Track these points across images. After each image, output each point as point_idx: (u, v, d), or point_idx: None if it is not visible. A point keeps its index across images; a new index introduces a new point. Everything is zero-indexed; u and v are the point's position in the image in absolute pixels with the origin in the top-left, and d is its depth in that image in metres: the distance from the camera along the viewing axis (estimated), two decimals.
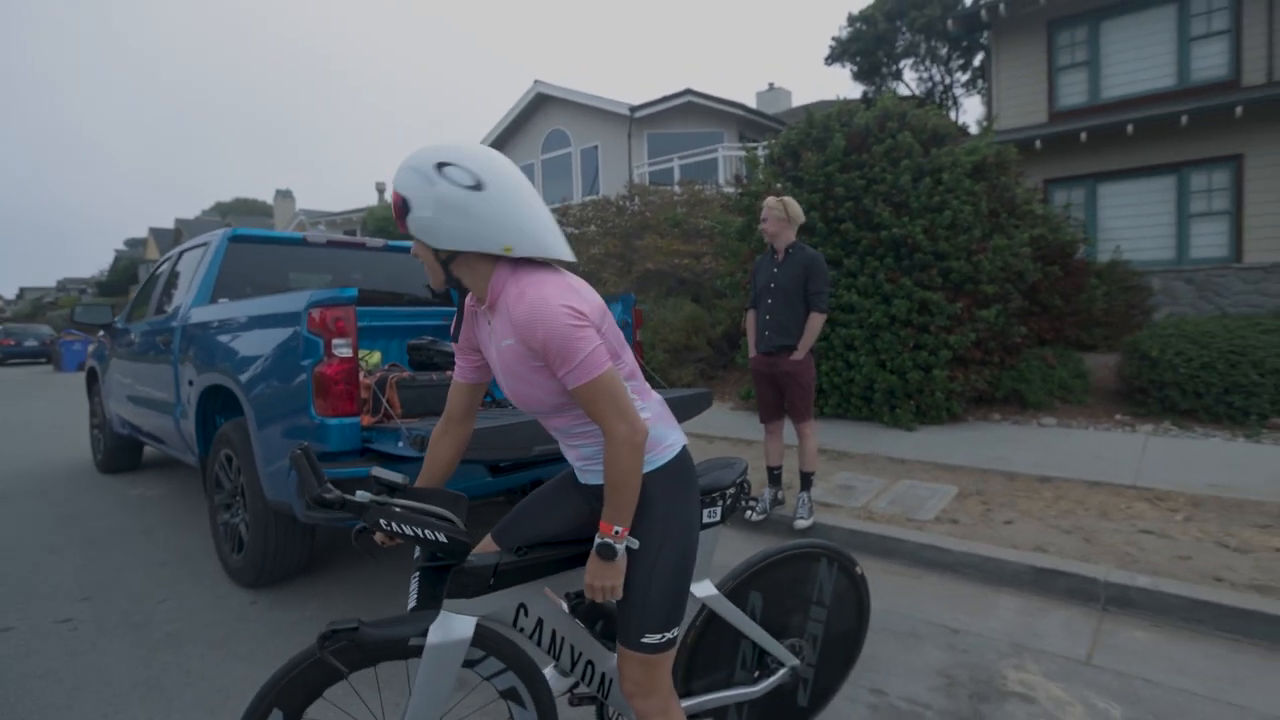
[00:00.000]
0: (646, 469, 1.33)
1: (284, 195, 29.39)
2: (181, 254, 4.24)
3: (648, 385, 1.42)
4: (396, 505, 1.22)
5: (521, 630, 1.41)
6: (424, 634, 1.27)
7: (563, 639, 1.46)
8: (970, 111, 31.11)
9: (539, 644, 1.43)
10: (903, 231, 5.63)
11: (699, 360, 8.17)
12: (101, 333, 5.15)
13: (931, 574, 3.16)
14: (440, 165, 1.19)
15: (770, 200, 3.59)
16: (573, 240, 11.13)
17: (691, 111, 14.11)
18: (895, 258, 5.79)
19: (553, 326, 1.16)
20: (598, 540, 1.25)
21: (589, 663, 1.49)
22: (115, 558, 3.54)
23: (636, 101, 14.14)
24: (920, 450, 5.00)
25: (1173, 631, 2.57)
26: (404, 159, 1.22)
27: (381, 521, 1.21)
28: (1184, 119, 8.05)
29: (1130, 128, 8.38)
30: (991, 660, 2.40)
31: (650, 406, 1.38)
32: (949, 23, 11.41)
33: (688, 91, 13.68)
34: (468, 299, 1.40)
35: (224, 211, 48.20)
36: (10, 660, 2.49)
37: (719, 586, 1.66)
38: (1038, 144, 8.98)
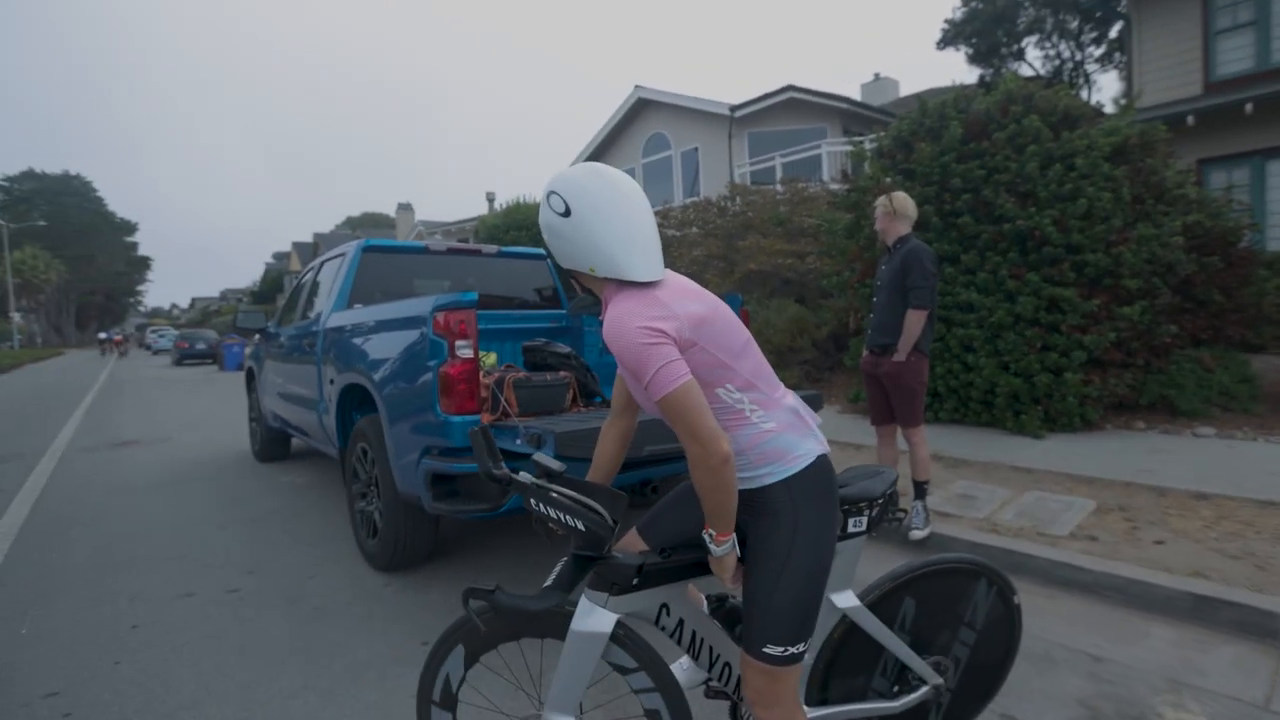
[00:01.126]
0: (774, 479, 1.34)
1: (404, 208, 31.67)
2: (322, 264, 4.68)
3: (775, 393, 1.39)
4: (554, 490, 1.32)
5: (663, 629, 1.45)
6: (546, 611, 1.35)
7: (702, 639, 1.49)
8: (1106, 89, 28.20)
9: (679, 643, 1.47)
10: (1029, 223, 5.22)
11: (804, 362, 7.99)
12: (257, 336, 5.78)
13: (1067, 595, 2.90)
14: (549, 194, 1.33)
15: (880, 199, 3.57)
16: (674, 243, 11.20)
17: (793, 108, 13.79)
18: (1020, 252, 5.38)
19: (625, 343, 1.22)
20: (708, 542, 1.32)
21: (726, 664, 1.51)
22: (272, 536, 3.98)
23: (736, 101, 14.01)
24: (1049, 459, 4.61)
25: None
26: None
27: (532, 501, 1.32)
28: None
29: None
30: (1142, 694, 2.17)
31: (776, 417, 1.36)
32: None
33: (789, 88, 13.38)
34: None
35: (353, 225, 52.66)
36: (194, 621, 2.87)
37: (867, 592, 1.63)
38: (1190, 120, 8.02)
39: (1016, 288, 5.31)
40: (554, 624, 1.44)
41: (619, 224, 1.30)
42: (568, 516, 1.30)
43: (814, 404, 3.23)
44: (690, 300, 1.31)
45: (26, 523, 4.40)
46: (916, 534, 3.37)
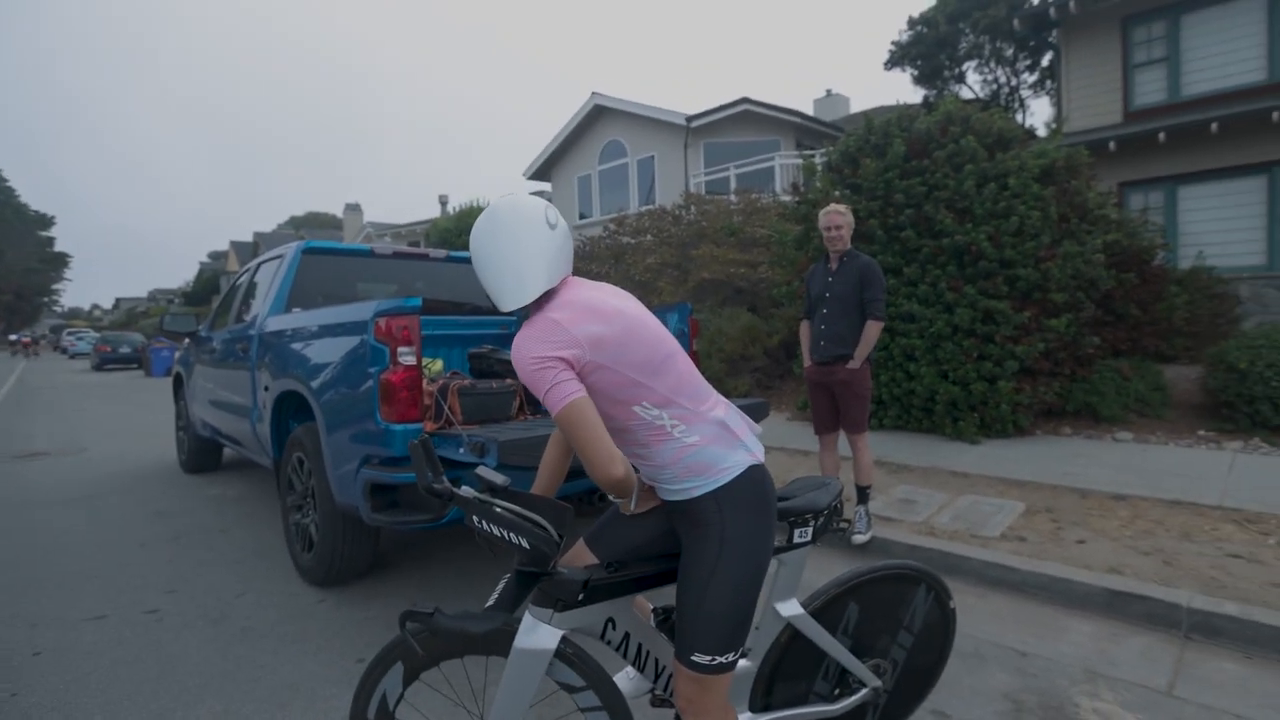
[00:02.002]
0: (702, 491, 1.34)
1: (353, 209, 30.74)
2: (259, 265, 4.48)
3: (701, 406, 1.38)
4: (498, 505, 1.27)
5: (608, 643, 1.43)
6: (490, 633, 1.31)
7: (647, 651, 1.48)
8: (1038, 114, 29.85)
9: (623, 655, 1.46)
10: (966, 238, 5.45)
11: (755, 370, 8.10)
12: (187, 340, 5.49)
13: (997, 594, 3.03)
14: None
15: (841, 207, 3.56)
16: (628, 250, 11.20)
17: (748, 120, 14.04)
18: (958, 265, 5.61)
19: (521, 370, 1.27)
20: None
21: (671, 675, 1.50)
22: (197, 553, 3.76)
23: (693, 111, 14.17)
24: (984, 464, 4.82)
25: (1265, 664, 2.39)
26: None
27: (474, 518, 1.28)
28: (1275, 115, 7.54)
29: (1215, 126, 7.89)
30: (1063, 686, 2.28)
31: (699, 430, 1.36)
32: (1015, 22, 11.03)
33: (744, 100, 13.63)
34: None
35: (297, 225, 50.65)
36: (104, 646, 2.67)
37: (813, 598, 1.65)
38: (1112, 145, 8.56)
39: (955, 300, 5.53)
40: (497, 642, 1.39)
41: (492, 257, 1.36)
42: (511, 533, 1.26)
43: (759, 412, 3.27)
44: (592, 322, 1.29)
45: None
46: (859, 538, 3.45)
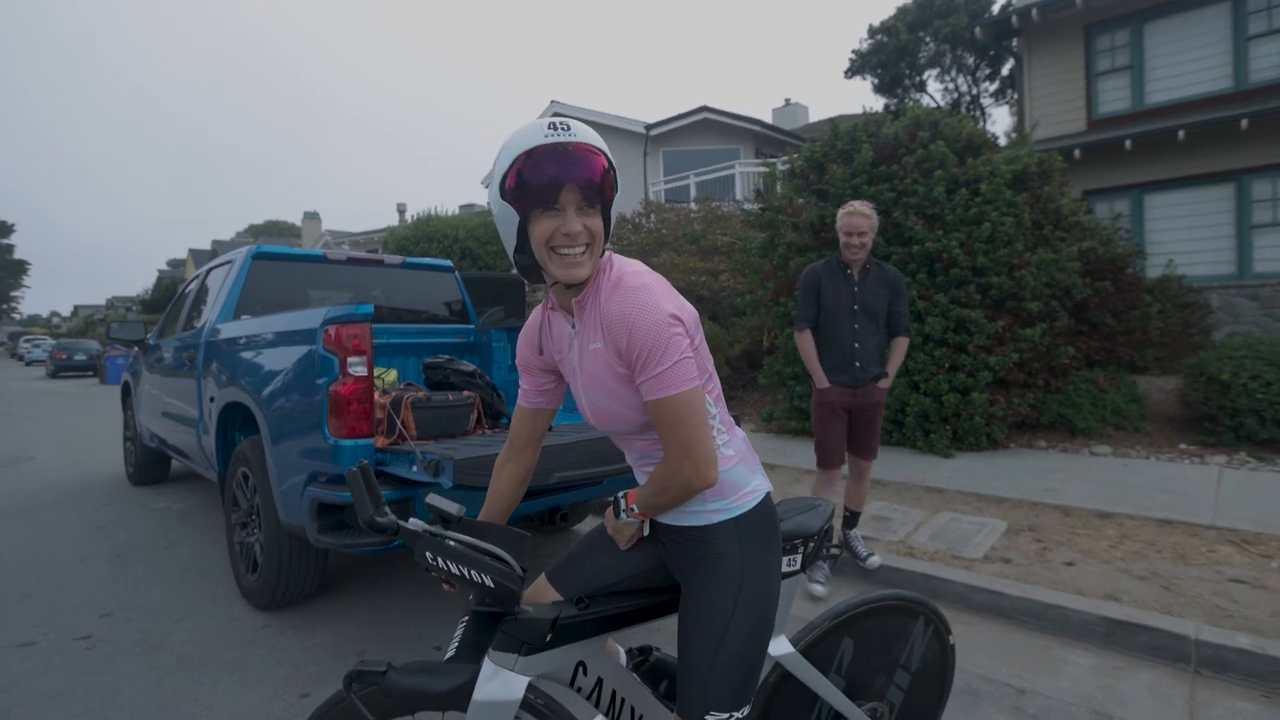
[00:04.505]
0: (722, 517, 1.19)
1: (311, 217, 30.28)
2: (209, 271, 4.28)
3: (731, 418, 1.27)
4: (451, 539, 1.12)
5: (579, 690, 1.28)
6: (454, 690, 1.14)
7: (623, 700, 1.32)
8: (999, 122, 30.53)
9: (596, 704, 1.30)
10: (937, 246, 5.43)
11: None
12: (135, 348, 5.24)
13: (984, 621, 2.86)
14: None
15: (865, 208, 3.04)
16: None
17: (707, 128, 14.10)
18: (929, 273, 5.59)
19: (652, 322, 1.05)
20: (620, 498, 1.24)
21: None
22: (138, 572, 3.54)
23: (652, 119, 14.17)
24: (960, 479, 4.72)
25: None
26: (593, 134, 1.10)
27: (428, 555, 1.11)
28: (1244, 123, 7.66)
29: (1181, 134, 8.02)
30: None
31: (735, 444, 1.24)
32: (976, 31, 11.21)
33: (703, 108, 13.69)
34: (538, 309, 1.31)
35: (256, 233, 49.76)
36: (30, 677, 2.47)
37: (804, 633, 1.51)
38: (1076, 153, 8.68)
39: (925, 308, 5.51)
40: (463, 697, 1.21)
41: None
42: (471, 571, 1.10)
43: None
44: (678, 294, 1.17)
45: None
46: (874, 561, 3.20)
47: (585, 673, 1.27)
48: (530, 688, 1.21)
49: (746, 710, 1.18)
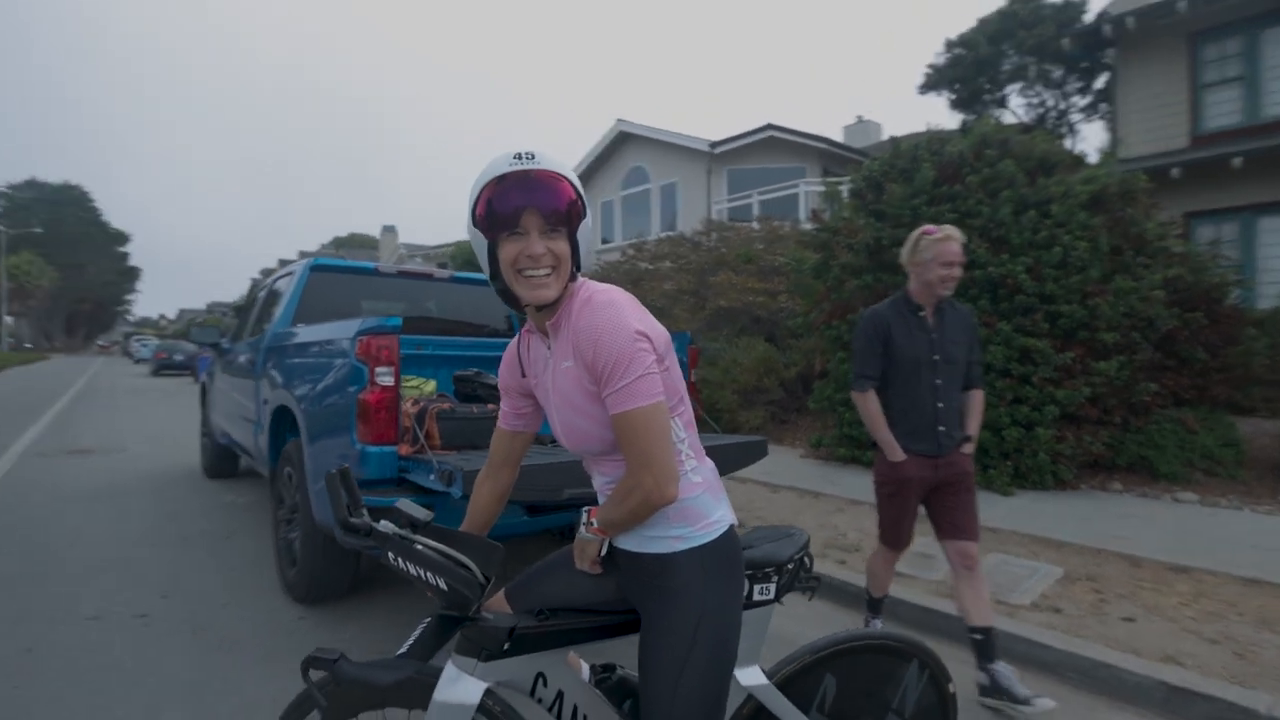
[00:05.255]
0: (684, 545, 1.19)
1: (389, 230, 32.01)
2: (275, 282, 4.57)
3: (701, 446, 1.28)
4: (420, 543, 1.17)
5: (539, 701, 1.30)
6: (396, 684, 1.19)
7: (585, 716, 1.33)
8: (1090, 139, 28.55)
9: (557, 717, 1.32)
10: (1001, 270, 5.15)
11: (770, 403, 7.84)
12: (212, 350, 5.65)
13: (1025, 673, 2.62)
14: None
15: (955, 231, 2.42)
16: (646, 276, 11.15)
17: (773, 146, 13.93)
18: (991, 299, 5.29)
19: (615, 336, 1.08)
20: (582, 522, 1.24)
21: None
22: (198, 558, 3.80)
23: (717, 137, 14.13)
24: (1017, 519, 4.40)
25: None
26: (562, 161, 1.15)
27: (390, 555, 1.18)
28: None
29: None
30: None
31: (703, 472, 1.24)
32: (1064, 42, 10.58)
33: (769, 126, 13.55)
34: (520, 333, 1.37)
35: (339, 244, 53.19)
36: (92, 647, 2.70)
37: (781, 665, 1.47)
38: (1175, 172, 8.02)
39: (987, 336, 5.21)
40: (415, 693, 1.27)
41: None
42: (429, 573, 1.15)
43: (756, 451, 3.08)
44: (656, 321, 1.19)
45: None
46: (1045, 702, 2.27)
47: (545, 684, 1.29)
48: (489, 694, 1.24)
49: None
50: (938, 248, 2.38)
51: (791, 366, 7.77)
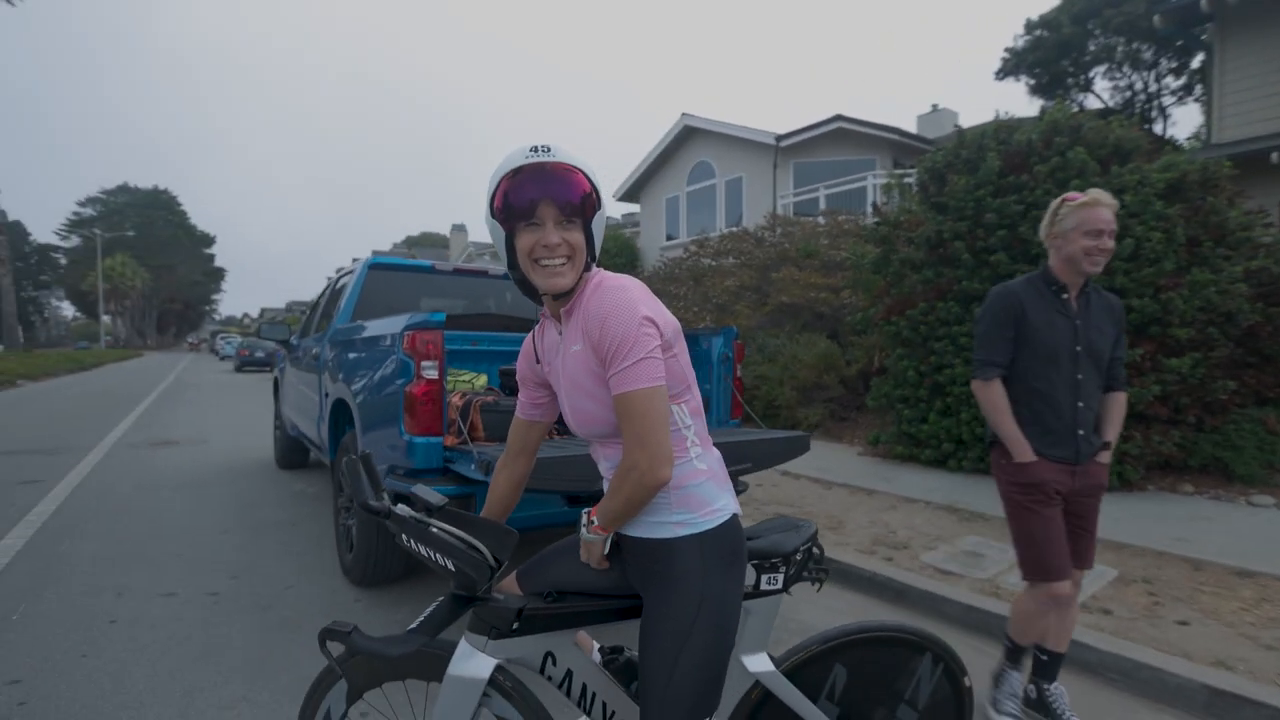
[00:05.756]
0: (686, 532, 1.22)
1: (458, 229, 32.88)
2: (340, 278, 4.82)
3: (708, 435, 1.32)
4: (435, 526, 1.25)
5: (549, 679, 1.37)
6: (403, 657, 1.27)
7: (594, 694, 1.39)
8: (1183, 123, 26.60)
9: (568, 695, 1.38)
10: None
11: (829, 400, 7.70)
12: (283, 347, 5.99)
13: (1065, 673, 2.54)
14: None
15: (1105, 196, 2.05)
16: (709, 272, 11.10)
17: (841, 138, 13.58)
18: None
19: (621, 318, 1.12)
20: (583, 519, 1.26)
21: None
22: (267, 544, 4.06)
23: (783, 130, 13.90)
24: None
25: None
26: (577, 155, 1.19)
27: (402, 537, 1.27)
28: None
29: None
30: None
31: (708, 460, 1.28)
32: (1156, 19, 9.87)
33: (837, 118, 13.21)
34: (535, 329, 1.43)
35: (411, 243, 54.88)
36: (166, 621, 2.93)
37: (791, 653, 1.50)
38: (1275, 157, 7.42)
39: None
40: (429, 666, 1.36)
41: None
42: (439, 555, 1.23)
43: (798, 446, 3.07)
44: (667, 310, 1.25)
45: (55, 514, 4.63)
46: None
47: (554, 663, 1.35)
48: (500, 669, 1.31)
49: None
50: (1081, 214, 2.03)
51: (853, 363, 7.63)
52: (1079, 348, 2.09)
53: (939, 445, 5.70)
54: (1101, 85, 15.22)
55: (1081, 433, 2.09)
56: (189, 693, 2.34)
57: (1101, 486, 2.16)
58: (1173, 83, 14.71)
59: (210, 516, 4.65)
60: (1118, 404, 2.20)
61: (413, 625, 1.31)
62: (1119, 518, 4.27)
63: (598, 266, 1.27)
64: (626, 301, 1.13)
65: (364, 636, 1.28)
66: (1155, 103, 14.86)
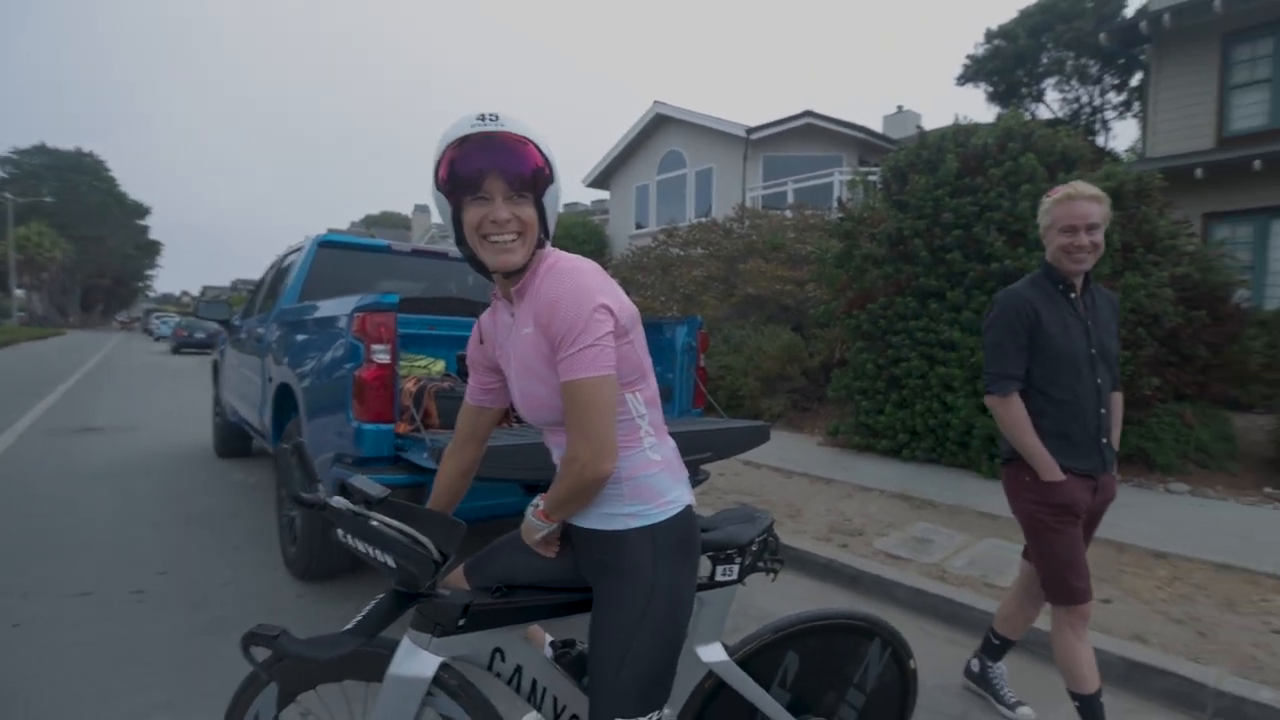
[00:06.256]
0: (638, 523, 1.18)
1: (421, 209, 31.95)
2: (287, 257, 4.56)
3: (664, 425, 1.27)
4: (374, 519, 1.16)
5: (498, 676, 1.30)
6: (334, 660, 1.19)
7: (544, 689, 1.33)
8: (1122, 137, 28.11)
9: (517, 691, 1.32)
10: (1017, 264, 5.07)
11: (792, 390, 7.81)
12: (223, 327, 5.67)
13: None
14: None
15: (1086, 187, 1.94)
16: (677, 262, 11.09)
17: (810, 134, 13.74)
18: None
19: (572, 302, 1.07)
20: (531, 504, 1.22)
21: (574, 716, 1.36)
22: (201, 537, 3.82)
23: (754, 123, 13.95)
24: None
25: None
26: (528, 124, 1.11)
27: (338, 533, 1.18)
28: None
29: None
30: None
31: (663, 450, 1.23)
32: (1102, 36, 10.33)
33: (807, 113, 13.36)
34: (487, 311, 1.36)
35: (370, 223, 52.77)
36: (82, 623, 2.70)
37: (744, 642, 1.50)
38: (1199, 173, 7.88)
39: None
40: (369, 666, 1.28)
41: None
42: (378, 551, 1.15)
43: (760, 435, 3.06)
44: (624, 294, 1.18)
45: None
46: (1025, 712, 2.24)
47: (503, 659, 1.29)
48: (444, 667, 1.24)
49: (655, 716, 1.18)
50: (1056, 210, 1.93)
51: (815, 355, 7.77)
52: (1094, 350, 1.96)
53: (894, 436, 5.85)
54: (1052, 96, 15.88)
55: (1105, 441, 1.97)
56: (104, 699, 2.16)
57: (1113, 498, 2.06)
58: (1115, 98, 15.45)
59: (137, 508, 4.35)
60: (1119, 404, 2.09)
61: (349, 625, 1.23)
62: None
63: (552, 245, 1.21)
64: (579, 285, 1.08)
65: (294, 640, 1.18)
66: (1099, 116, 15.58)
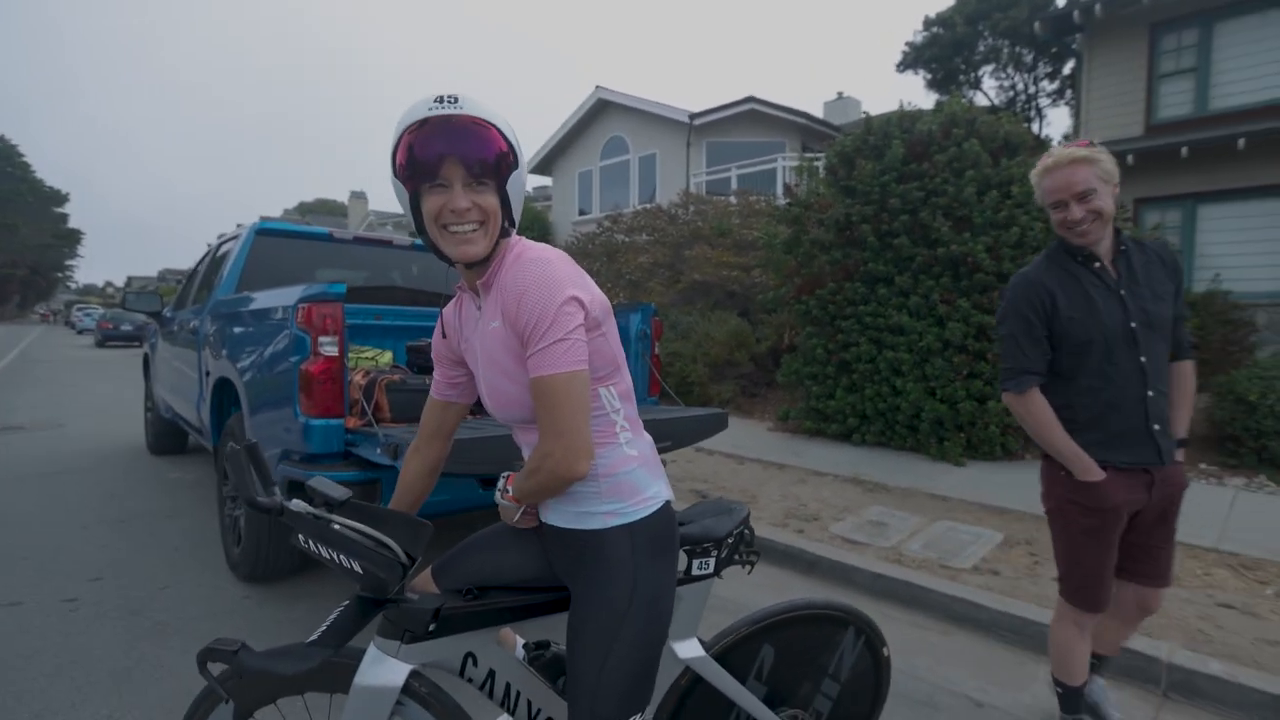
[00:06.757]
0: (616, 521, 1.14)
1: (358, 196, 30.86)
2: (222, 245, 4.33)
3: (639, 419, 1.24)
4: (336, 523, 1.09)
5: (470, 681, 1.25)
6: (300, 675, 1.12)
7: (518, 693, 1.29)
8: (1056, 124, 29.29)
9: (490, 696, 1.27)
10: (963, 249, 5.21)
11: (740, 376, 7.89)
12: (153, 319, 5.37)
13: (962, 631, 2.81)
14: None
15: (1082, 151, 1.70)
16: (622, 248, 11.03)
17: (753, 120, 13.81)
18: (953, 277, 5.37)
19: (540, 294, 1.02)
20: (499, 487, 1.20)
21: None
22: (137, 539, 3.63)
23: (697, 109, 13.95)
24: (967, 488, 4.58)
25: None
26: (491, 107, 1.05)
27: (300, 538, 1.11)
28: None
29: (1242, 142, 7.52)
30: None
31: (639, 445, 1.20)
32: (1036, 25, 10.65)
33: (750, 99, 13.40)
34: (451, 302, 1.29)
35: (305, 210, 50.78)
36: (8, 637, 2.53)
37: (720, 637, 1.48)
38: (1130, 159, 8.23)
39: (947, 313, 5.30)
40: (333, 677, 1.21)
41: None
42: (342, 556, 1.08)
43: (718, 422, 3.07)
44: (595, 285, 1.14)
45: None
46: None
47: (475, 664, 1.25)
48: (415, 675, 1.19)
49: (638, 717, 1.16)
50: (1043, 185, 1.75)
51: (763, 341, 7.83)
52: (1133, 324, 1.70)
53: (845, 420, 5.96)
54: (989, 84, 16.35)
55: (1158, 427, 1.72)
56: (38, 716, 2.03)
57: (1182, 490, 1.80)
58: (1048, 86, 16.02)
59: (65, 510, 4.10)
60: (1185, 377, 1.83)
61: (314, 636, 1.15)
62: (1004, 485, 4.64)
63: (518, 235, 1.16)
64: (547, 276, 1.03)
65: (254, 654, 1.11)
66: (1034, 103, 16.14)
